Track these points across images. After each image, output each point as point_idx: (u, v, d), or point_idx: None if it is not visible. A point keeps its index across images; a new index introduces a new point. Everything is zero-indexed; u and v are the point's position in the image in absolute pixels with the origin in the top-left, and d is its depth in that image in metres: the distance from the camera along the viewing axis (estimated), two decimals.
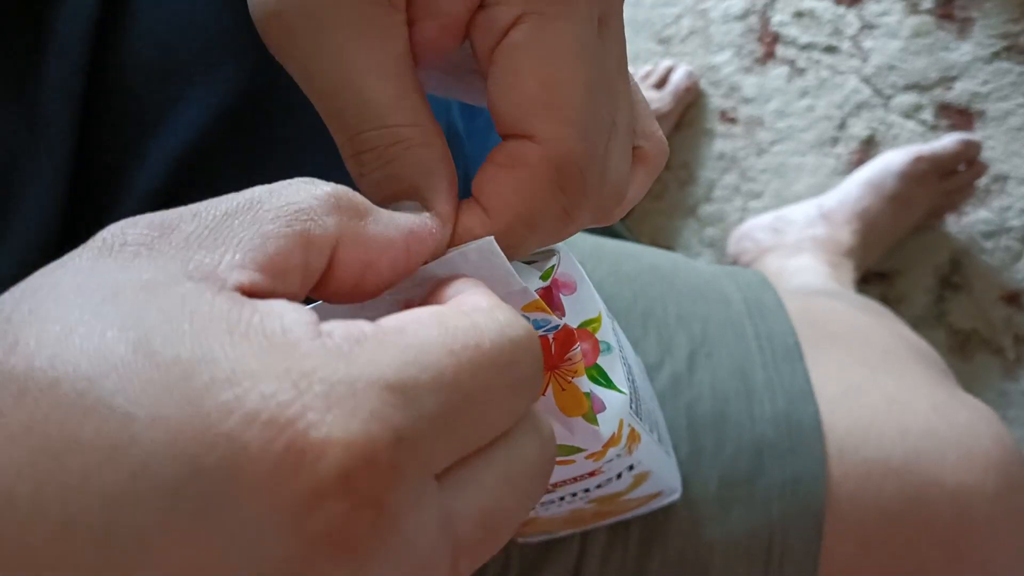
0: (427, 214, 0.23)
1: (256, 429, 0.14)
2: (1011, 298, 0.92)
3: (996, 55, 0.98)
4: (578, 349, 0.27)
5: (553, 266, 0.28)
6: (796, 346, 0.49)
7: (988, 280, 0.93)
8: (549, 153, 0.23)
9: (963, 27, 1.00)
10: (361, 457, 0.15)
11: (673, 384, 0.47)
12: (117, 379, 0.15)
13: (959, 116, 0.98)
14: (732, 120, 1.05)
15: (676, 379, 0.47)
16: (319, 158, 0.36)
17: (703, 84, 1.07)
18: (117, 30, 0.34)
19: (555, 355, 0.27)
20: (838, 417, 0.47)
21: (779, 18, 1.06)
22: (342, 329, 0.17)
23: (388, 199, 0.24)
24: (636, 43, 1.11)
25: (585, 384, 0.27)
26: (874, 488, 0.45)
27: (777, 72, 1.05)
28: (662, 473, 0.38)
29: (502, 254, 0.23)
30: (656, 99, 1.02)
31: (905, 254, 0.96)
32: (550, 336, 0.27)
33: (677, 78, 1.03)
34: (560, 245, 0.28)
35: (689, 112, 1.06)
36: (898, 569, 0.46)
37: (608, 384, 0.29)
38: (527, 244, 0.25)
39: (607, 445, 0.28)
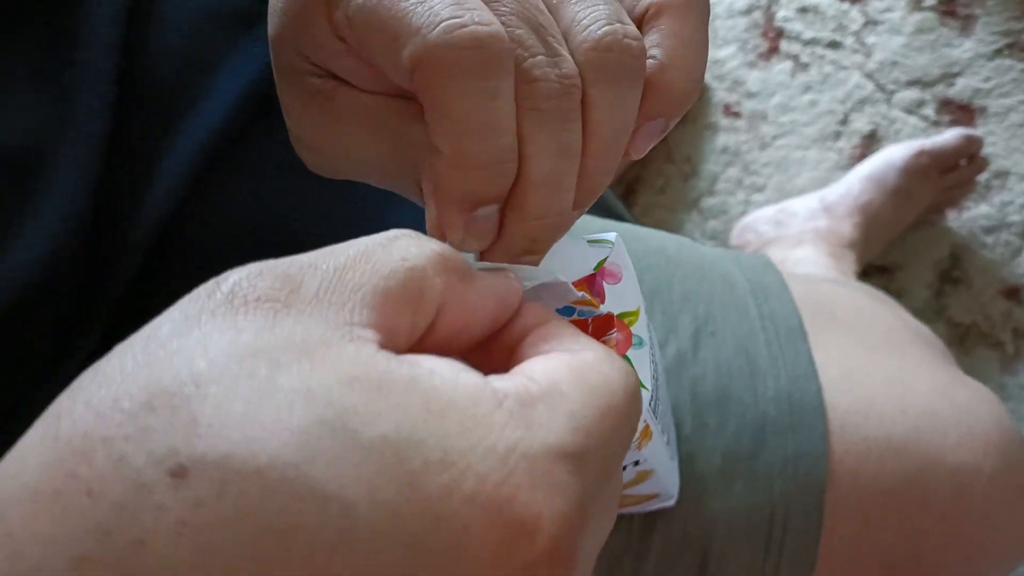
0: (512, 276, 0.24)
1: (477, 510, 0.15)
2: (1010, 293, 0.93)
3: (998, 52, 0.99)
4: (614, 335, 0.28)
5: (605, 258, 0.29)
6: (799, 327, 0.50)
7: (988, 275, 0.94)
8: None
9: (966, 24, 1.01)
10: (565, 528, 0.17)
11: (678, 362, 0.48)
12: (326, 464, 0.15)
13: (961, 112, 0.99)
14: (736, 114, 1.05)
15: (681, 357, 0.48)
16: None
17: (708, 78, 1.07)
18: (146, 18, 0.35)
19: (592, 336, 0.28)
20: (840, 396, 0.47)
21: (783, 13, 1.07)
22: (513, 391, 0.18)
23: (476, 205, 0.24)
24: None
25: None
26: (875, 465, 0.46)
27: (781, 67, 1.05)
28: (664, 476, 0.38)
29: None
30: None
31: (906, 248, 0.96)
32: (589, 320, 0.27)
33: None
34: (617, 237, 0.29)
35: (693, 106, 1.07)
36: (897, 545, 0.47)
37: None
38: None
39: None
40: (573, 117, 0.24)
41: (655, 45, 0.26)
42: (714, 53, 1.08)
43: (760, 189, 1.02)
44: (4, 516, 0.15)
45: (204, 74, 0.35)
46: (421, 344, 0.21)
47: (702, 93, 1.07)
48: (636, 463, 0.33)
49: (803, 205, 0.93)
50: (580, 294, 0.26)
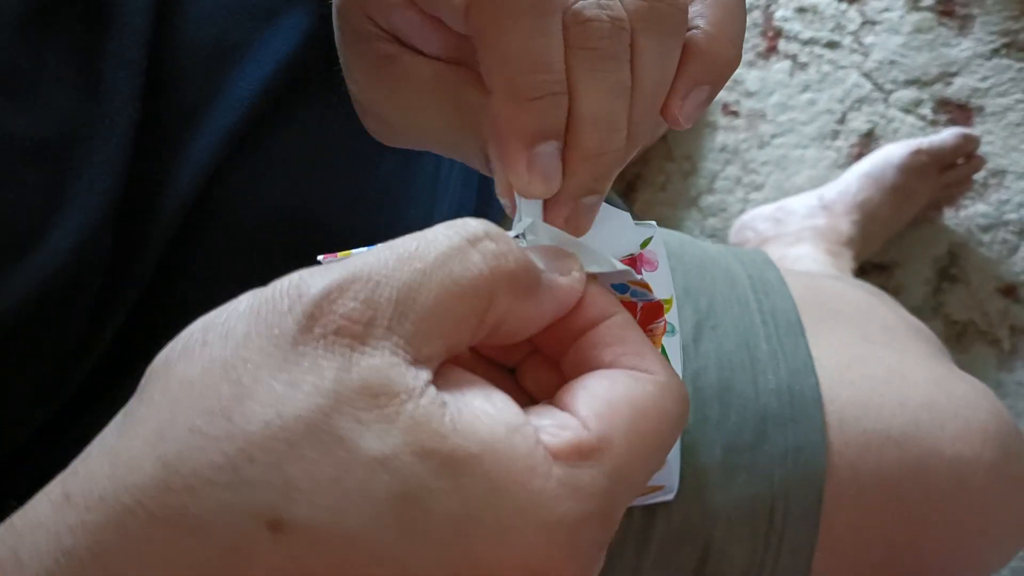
0: (577, 276, 0.24)
1: (523, 574, 0.18)
2: (1008, 290, 0.93)
3: (996, 52, 1.00)
4: (662, 322, 0.28)
5: (651, 237, 0.30)
6: (798, 321, 0.50)
7: (985, 272, 0.94)
8: None
9: (963, 24, 1.02)
10: (587, 572, 0.20)
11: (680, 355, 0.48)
12: (400, 535, 0.18)
13: (958, 111, 0.99)
14: (734, 113, 1.06)
15: (683, 350, 0.48)
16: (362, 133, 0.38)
17: None
18: (175, 9, 0.35)
19: (639, 322, 0.28)
20: (839, 389, 0.48)
21: (782, 13, 1.07)
22: (565, 451, 0.20)
23: (535, 140, 0.25)
24: None
25: None
26: (874, 457, 0.46)
27: (779, 66, 1.06)
28: (671, 467, 0.39)
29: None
30: None
31: (903, 246, 0.97)
32: (639, 303, 0.28)
33: None
34: (654, 225, 0.30)
35: None
36: (896, 536, 0.47)
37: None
38: None
39: None
40: (624, 58, 0.25)
41: (699, 15, 0.27)
42: None
43: (759, 187, 1.03)
44: (124, 531, 0.17)
45: (229, 64, 0.36)
46: (476, 341, 0.22)
47: None
48: None
49: (801, 203, 0.94)
50: (639, 277, 0.26)
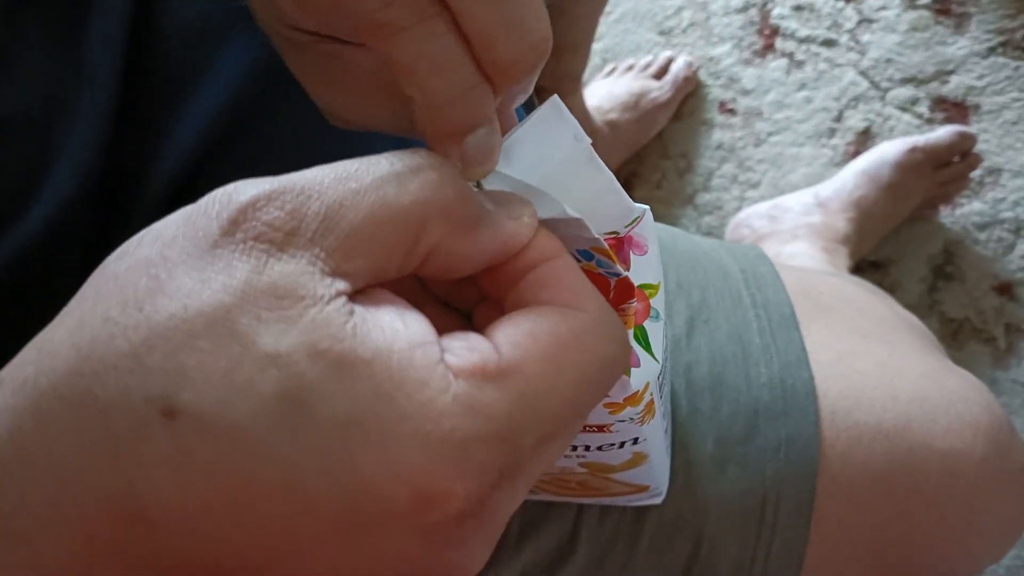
0: (527, 222, 0.24)
1: (403, 487, 0.18)
2: (1003, 288, 0.93)
3: (992, 50, 1.00)
4: (634, 304, 0.28)
5: (639, 217, 0.29)
6: (791, 315, 0.50)
7: (981, 270, 0.94)
8: None
9: (960, 22, 1.02)
10: (475, 500, 0.20)
11: (672, 348, 0.48)
12: (283, 433, 0.18)
13: (955, 109, 0.99)
14: (731, 111, 1.06)
15: (675, 343, 0.48)
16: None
17: (703, 76, 1.08)
18: None
19: (611, 300, 0.28)
20: (831, 382, 0.48)
21: (779, 11, 1.07)
22: (468, 369, 0.20)
23: (463, 135, 0.25)
24: (637, 34, 1.12)
25: (630, 337, 0.28)
26: (865, 450, 0.46)
27: (776, 64, 1.06)
28: (657, 465, 0.38)
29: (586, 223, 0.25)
30: (655, 88, 1.03)
31: (899, 244, 0.97)
32: (612, 281, 0.27)
33: (676, 68, 1.05)
34: (647, 208, 0.29)
35: (688, 103, 1.07)
36: (888, 529, 0.47)
37: (647, 348, 0.30)
38: None
39: (628, 400, 0.29)
40: None
41: None
42: (710, 50, 1.08)
43: (755, 185, 1.03)
44: (38, 413, 0.19)
45: (214, 47, 0.36)
46: (407, 271, 0.22)
47: (697, 89, 1.07)
48: (635, 440, 0.33)
49: (797, 200, 0.94)
50: (596, 236, 0.25)
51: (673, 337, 0.49)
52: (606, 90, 1.03)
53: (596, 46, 1.13)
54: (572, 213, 0.25)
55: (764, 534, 0.46)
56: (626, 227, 0.29)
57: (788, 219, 0.92)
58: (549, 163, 0.27)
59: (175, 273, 0.19)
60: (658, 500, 0.45)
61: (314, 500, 0.18)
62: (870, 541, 0.47)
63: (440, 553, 0.21)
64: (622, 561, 0.46)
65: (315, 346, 0.18)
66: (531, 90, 0.26)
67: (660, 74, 1.05)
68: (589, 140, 0.27)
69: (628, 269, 0.29)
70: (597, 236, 0.25)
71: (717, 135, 1.06)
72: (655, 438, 0.35)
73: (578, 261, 0.27)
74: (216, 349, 0.18)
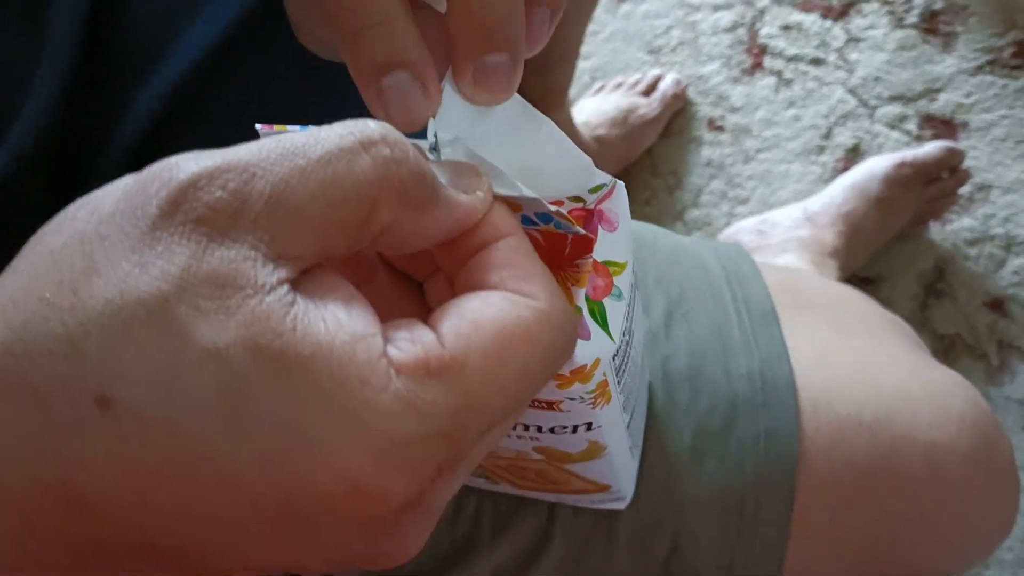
0: (481, 196, 0.23)
1: (342, 485, 0.18)
2: (995, 304, 0.92)
3: (979, 68, 1.00)
4: (589, 260, 0.27)
5: (603, 184, 0.28)
6: (772, 311, 0.50)
7: (972, 286, 0.94)
8: None
9: (947, 41, 1.02)
10: (414, 496, 0.20)
11: (650, 341, 0.47)
12: (222, 430, 0.18)
13: (943, 126, 0.99)
14: (720, 128, 1.06)
15: (653, 336, 0.47)
16: (311, 90, 0.37)
17: (692, 94, 1.08)
18: None
19: (567, 256, 0.27)
20: (812, 375, 0.47)
21: (767, 31, 1.08)
22: (411, 364, 0.19)
23: (377, 74, 0.24)
24: (627, 53, 1.13)
25: (581, 299, 0.27)
26: (847, 443, 0.45)
27: (764, 82, 1.06)
28: (619, 461, 0.37)
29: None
30: (644, 104, 1.03)
31: (890, 260, 0.96)
32: (569, 236, 0.27)
33: (665, 85, 1.05)
34: (621, 184, 0.28)
35: (678, 120, 1.07)
36: (871, 526, 0.46)
37: (603, 325, 0.28)
38: None
39: (575, 375, 0.28)
40: None
41: None
42: (699, 69, 1.09)
43: (744, 201, 1.02)
44: None
45: (178, 20, 0.36)
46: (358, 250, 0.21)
47: (686, 107, 1.07)
48: (589, 427, 0.32)
49: (786, 215, 0.93)
50: (554, 208, 0.24)
51: (651, 331, 0.48)
52: (595, 107, 1.03)
53: (585, 64, 1.14)
54: (528, 192, 0.24)
55: (745, 529, 0.45)
56: (592, 193, 0.28)
57: (777, 233, 0.91)
58: (493, 124, 0.26)
59: (111, 255, 0.18)
60: (622, 505, 0.43)
61: (251, 495, 0.18)
62: (854, 537, 0.46)
63: (378, 540, 0.21)
64: (600, 557, 0.45)
65: (254, 341, 0.18)
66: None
67: (649, 91, 1.05)
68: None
69: (594, 241, 0.28)
70: (558, 209, 0.25)
71: (706, 152, 1.05)
72: (613, 428, 0.33)
73: (536, 225, 0.26)
74: (153, 342, 0.18)
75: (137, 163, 0.35)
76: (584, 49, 1.08)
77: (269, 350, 0.18)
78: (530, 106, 0.26)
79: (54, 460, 0.18)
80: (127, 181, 0.20)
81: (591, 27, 1.09)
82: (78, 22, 0.34)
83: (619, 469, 0.38)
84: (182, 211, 0.18)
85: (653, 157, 1.07)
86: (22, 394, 0.18)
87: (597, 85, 1.11)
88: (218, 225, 0.19)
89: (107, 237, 0.19)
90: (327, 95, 0.39)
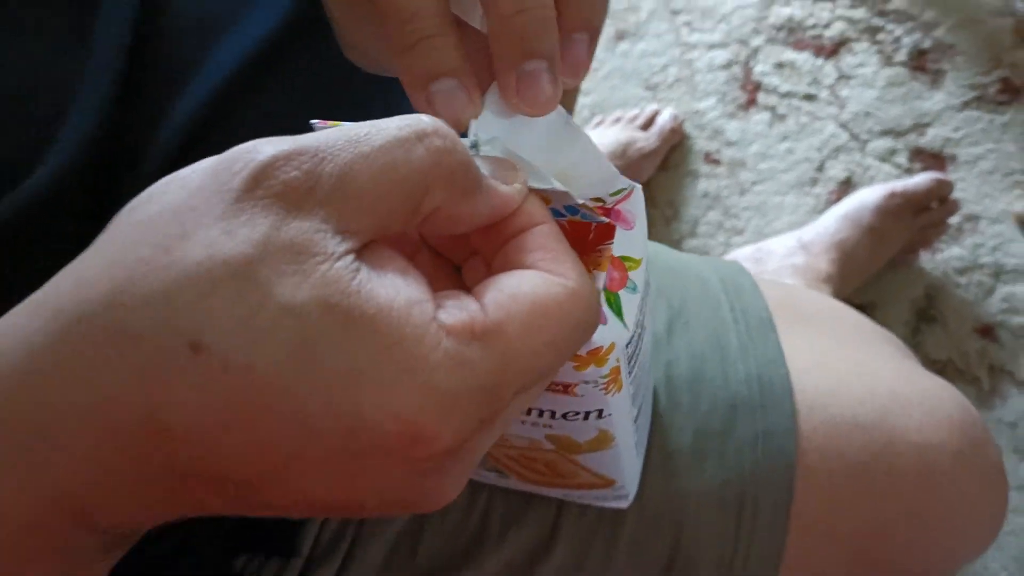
0: (518, 188, 0.26)
1: (398, 425, 0.21)
2: (985, 330, 0.95)
3: (967, 104, 1.04)
4: (611, 245, 0.29)
5: (623, 188, 0.30)
6: (769, 319, 0.52)
7: (962, 313, 0.96)
8: None
9: (935, 78, 1.06)
10: (458, 441, 0.22)
11: (653, 346, 0.49)
12: (296, 377, 0.20)
13: (932, 160, 1.03)
14: (716, 161, 1.09)
15: (656, 341, 0.49)
16: (347, 100, 0.40)
17: (689, 128, 1.11)
18: None
19: (589, 243, 0.29)
20: (808, 379, 0.49)
21: (761, 68, 1.12)
22: (458, 327, 0.22)
23: (427, 80, 0.27)
24: (625, 90, 1.16)
25: (601, 283, 0.29)
26: (842, 443, 0.47)
27: (759, 118, 1.10)
28: (625, 455, 0.39)
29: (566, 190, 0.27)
30: (642, 138, 1.06)
31: (882, 287, 0.99)
32: (593, 224, 0.29)
33: (662, 120, 1.08)
34: (639, 188, 0.31)
35: (675, 154, 1.10)
36: (867, 524, 0.47)
37: (618, 314, 0.30)
38: None
39: (590, 357, 0.30)
40: None
41: None
42: (695, 104, 1.12)
43: (740, 232, 1.05)
44: (77, 336, 0.20)
45: (214, 34, 0.38)
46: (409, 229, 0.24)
47: (683, 141, 1.11)
48: (600, 413, 0.34)
49: (781, 243, 0.96)
50: (582, 200, 0.27)
51: (654, 336, 0.50)
52: (594, 140, 1.06)
53: (585, 100, 1.17)
54: (559, 186, 0.27)
55: (744, 528, 0.46)
56: (612, 196, 0.31)
57: (772, 261, 0.94)
58: (533, 132, 0.29)
59: (201, 222, 0.21)
60: (625, 504, 0.45)
61: (318, 430, 0.21)
62: (850, 536, 0.47)
63: (422, 480, 0.23)
64: (602, 558, 0.47)
65: (326, 300, 0.20)
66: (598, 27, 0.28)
67: (647, 126, 1.08)
68: (563, 109, 0.29)
69: (612, 240, 0.30)
70: (583, 202, 0.27)
71: (703, 184, 1.08)
72: (621, 419, 0.35)
73: (564, 216, 0.29)
74: (239, 296, 0.20)
75: (174, 171, 0.37)
76: (584, 85, 1.11)
77: (339, 308, 0.21)
78: (573, 121, 0.29)
79: (146, 392, 0.20)
80: (211, 161, 0.22)
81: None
82: (125, 30, 0.36)
83: (625, 463, 0.40)
84: (262, 187, 0.21)
85: (651, 189, 1.09)
86: (123, 339, 0.20)
87: (596, 119, 1.14)
88: (293, 200, 0.21)
89: (196, 208, 0.21)
90: (361, 105, 0.41)
